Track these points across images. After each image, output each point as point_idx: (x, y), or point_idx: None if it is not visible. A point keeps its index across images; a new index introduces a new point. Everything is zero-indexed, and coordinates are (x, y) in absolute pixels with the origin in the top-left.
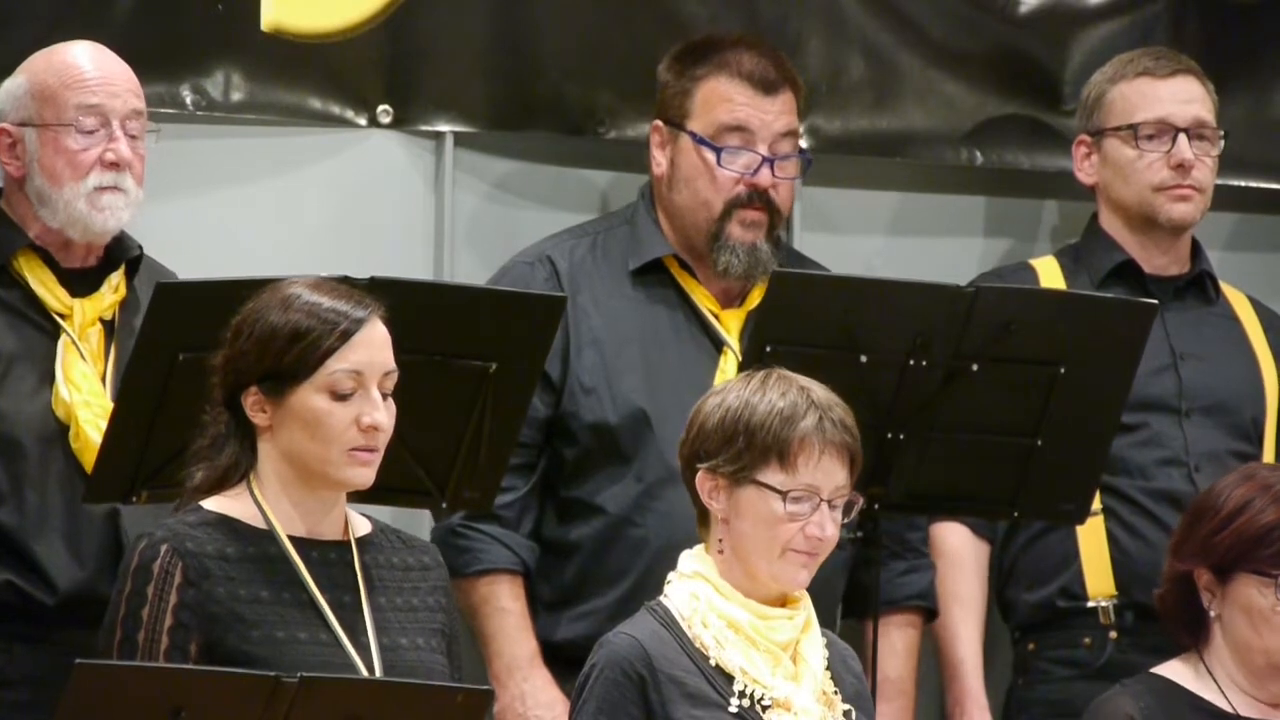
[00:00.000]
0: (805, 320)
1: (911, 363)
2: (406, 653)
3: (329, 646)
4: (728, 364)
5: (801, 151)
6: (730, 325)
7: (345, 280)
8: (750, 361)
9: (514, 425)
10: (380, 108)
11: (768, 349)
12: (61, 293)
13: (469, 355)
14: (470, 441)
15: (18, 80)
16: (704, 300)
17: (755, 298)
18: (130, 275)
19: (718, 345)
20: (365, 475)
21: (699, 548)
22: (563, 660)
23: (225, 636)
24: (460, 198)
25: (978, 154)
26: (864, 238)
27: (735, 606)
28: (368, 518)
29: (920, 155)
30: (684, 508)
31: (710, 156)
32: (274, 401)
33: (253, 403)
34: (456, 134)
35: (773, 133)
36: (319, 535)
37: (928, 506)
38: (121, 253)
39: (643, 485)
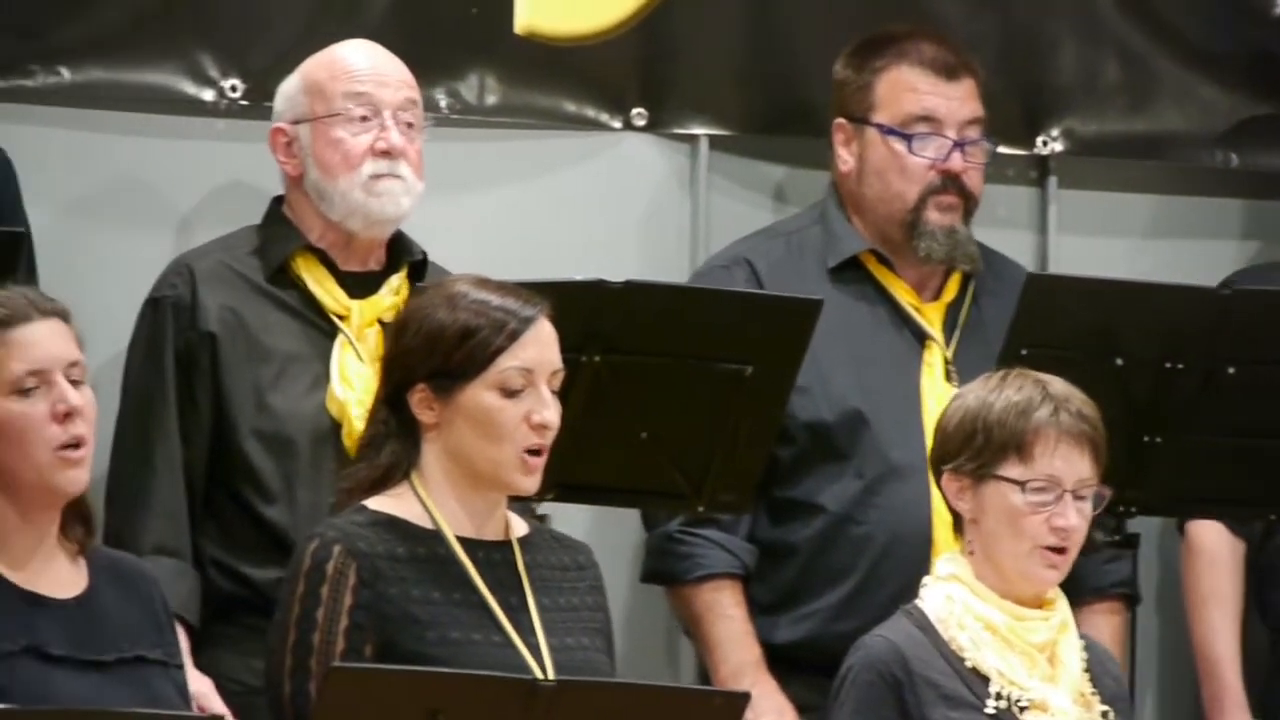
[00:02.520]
0: (1060, 323)
1: (1167, 366)
2: (575, 652)
3: (503, 647)
4: (933, 357)
5: (987, 137)
6: (932, 318)
7: (601, 283)
8: (1005, 365)
9: (769, 428)
10: (635, 111)
11: (1023, 352)
12: (340, 294)
13: (724, 359)
14: (726, 445)
15: (292, 80)
16: (904, 294)
17: (951, 291)
18: (415, 279)
19: (920, 338)
20: (531, 483)
21: (954, 551)
22: (784, 663)
23: (400, 638)
24: (715, 201)
25: (1233, 156)
26: (1119, 240)
27: (991, 608)
28: (525, 519)
29: (1175, 157)
30: (907, 503)
31: (900, 146)
32: (442, 399)
33: (419, 400)
34: (711, 137)
35: (959, 119)
36: (483, 535)
37: (1185, 509)
38: (403, 255)
39: (863, 482)
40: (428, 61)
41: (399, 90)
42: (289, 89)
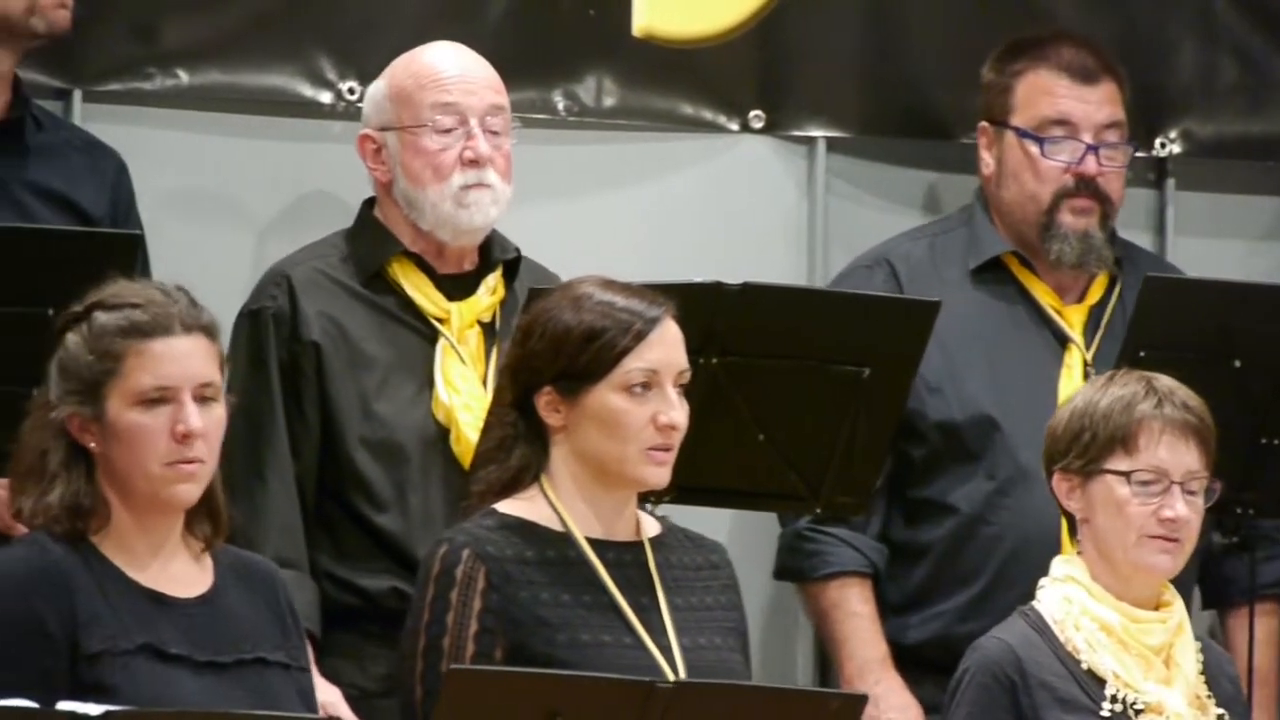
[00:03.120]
0: (1179, 325)
1: None
2: (707, 652)
3: (633, 649)
4: (1073, 360)
5: (1128, 141)
6: (1073, 321)
7: (718, 285)
8: (1122, 365)
9: (886, 430)
10: (752, 113)
11: (1141, 354)
12: (438, 297)
13: (842, 360)
14: (844, 447)
15: (379, 86)
16: (1045, 296)
17: (1096, 293)
18: (509, 277)
19: (1061, 341)
20: (661, 475)
21: (1070, 553)
22: (913, 663)
23: (530, 641)
24: (832, 203)
25: None
26: (1237, 241)
27: (1107, 609)
28: (657, 518)
29: None
30: (1037, 506)
31: (1034, 149)
32: (569, 401)
33: (546, 403)
34: (829, 139)
35: (1095, 122)
36: (613, 536)
37: None
38: (497, 254)
39: (994, 483)
40: (545, 63)
41: (485, 96)
42: (376, 95)
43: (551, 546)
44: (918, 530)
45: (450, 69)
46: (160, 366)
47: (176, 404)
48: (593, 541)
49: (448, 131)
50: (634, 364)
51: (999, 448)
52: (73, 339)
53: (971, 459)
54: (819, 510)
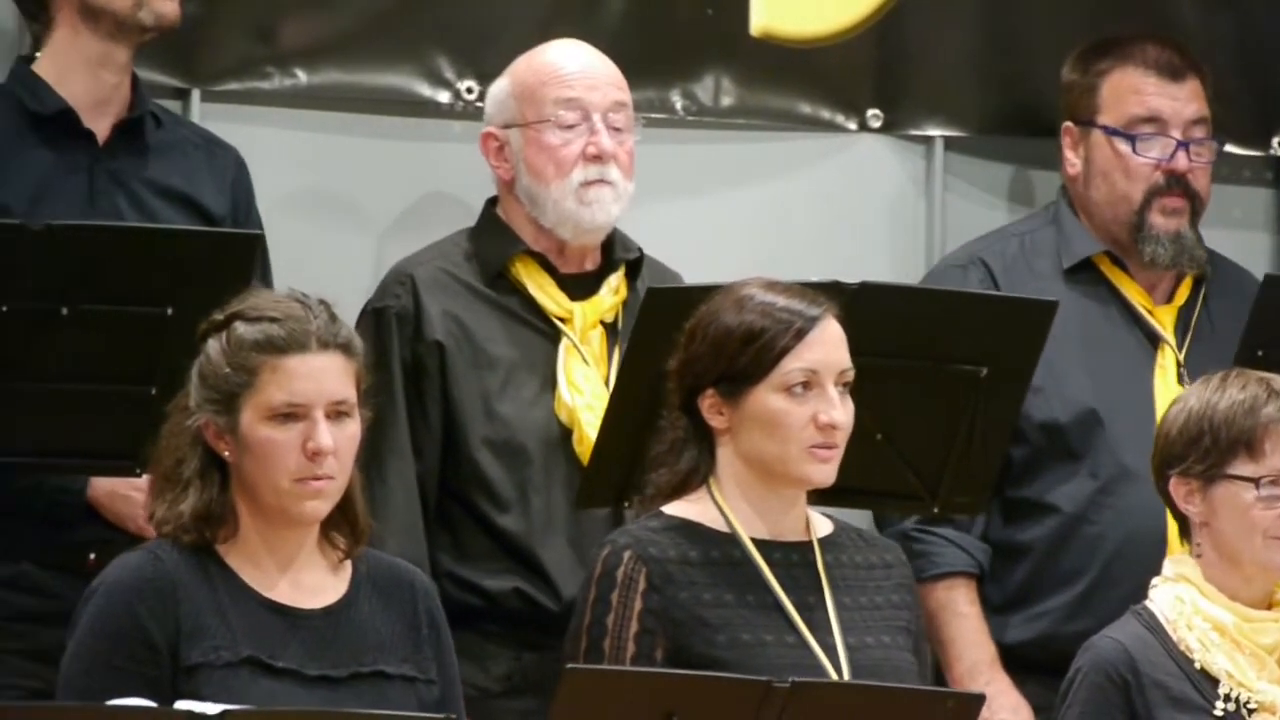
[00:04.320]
0: None
1: None
2: (873, 651)
3: (795, 648)
4: (1166, 360)
5: (1214, 137)
6: (1164, 321)
7: (836, 285)
8: (1240, 365)
9: (1004, 430)
10: (870, 112)
11: (1259, 353)
12: (561, 296)
13: (959, 360)
14: (961, 446)
15: (502, 84)
16: (1136, 296)
17: (1184, 293)
18: (632, 277)
19: (1153, 341)
20: (826, 472)
21: (1182, 552)
22: (1017, 663)
23: (690, 641)
24: (950, 202)
25: None
26: None
27: (1220, 609)
28: (829, 518)
29: None
30: (1140, 505)
31: (1124, 147)
32: (731, 403)
33: (709, 405)
34: (946, 138)
35: (1184, 118)
36: (780, 536)
37: None
38: (619, 254)
39: (1097, 483)
40: (663, 63)
41: (608, 93)
42: (499, 93)
43: (716, 547)
44: (1017, 529)
45: (573, 65)
46: (293, 383)
47: (309, 421)
48: (758, 542)
49: (570, 127)
50: (793, 364)
51: (1102, 447)
52: (213, 346)
53: (1074, 458)
54: (936, 510)
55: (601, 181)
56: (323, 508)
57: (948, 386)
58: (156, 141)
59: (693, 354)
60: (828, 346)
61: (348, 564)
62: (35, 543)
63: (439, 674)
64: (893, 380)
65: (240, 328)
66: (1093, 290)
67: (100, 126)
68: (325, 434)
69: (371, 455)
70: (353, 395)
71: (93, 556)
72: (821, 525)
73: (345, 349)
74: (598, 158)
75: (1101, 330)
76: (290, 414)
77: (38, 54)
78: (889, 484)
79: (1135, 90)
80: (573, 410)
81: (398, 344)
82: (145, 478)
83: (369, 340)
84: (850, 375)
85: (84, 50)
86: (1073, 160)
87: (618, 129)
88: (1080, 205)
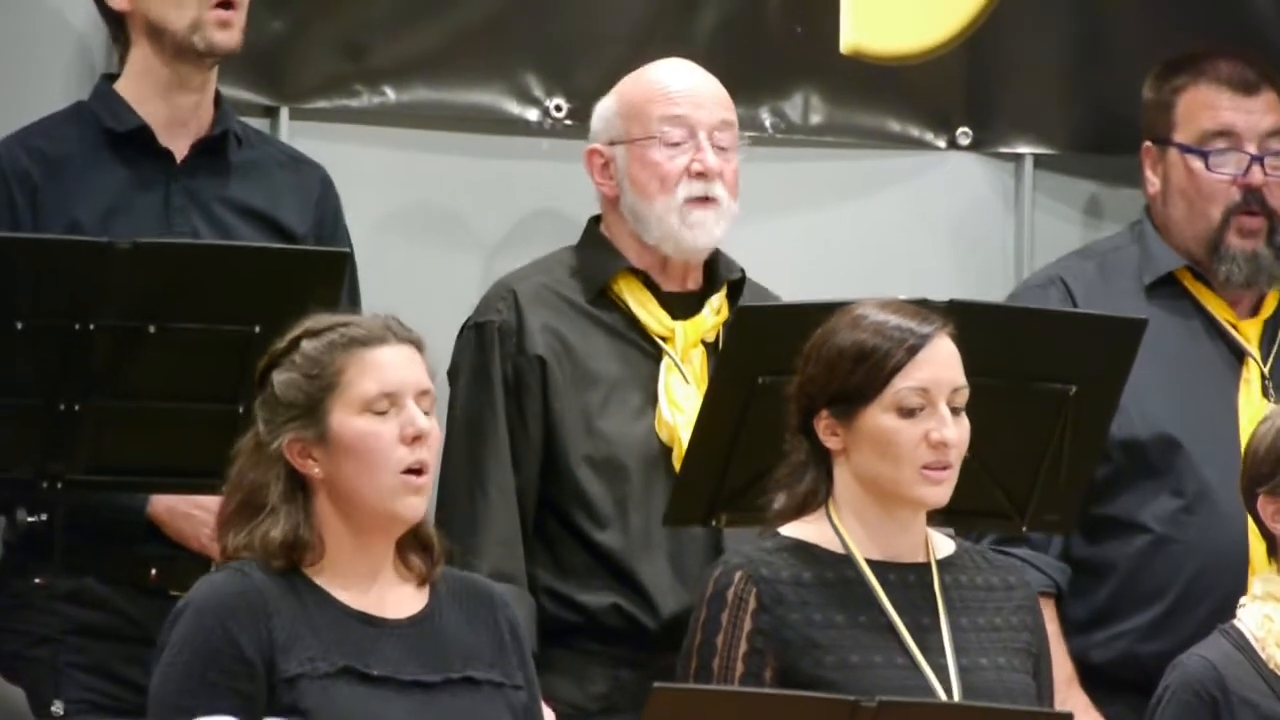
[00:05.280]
0: None
1: None
2: (986, 673)
3: (905, 669)
4: (1251, 374)
5: None
6: (1249, 334)
7: (923, 302)
8: None
9: (1094, 448)
10: (960, 130)
11: None
12: (662, 315)
13: (1048, 378)
14: (1050, 464)
15: (608, 102)
16: (1220, 311)
17: (1270, 306)
18: (733, 297)
19: (1238, 355)
20: (939, 493)
21: (1271, 571)
22: (1100, 682)
23: (799, 662)
24: (1040, 220)
25: None
26: None
27: None
28: (953, 538)
29: None
30: (1223, 522)
31: (1198, 164)
32: (845, 424)
33: (825, 426)
34: (1036, 156)
35: (1259, 132)
36: (898, 558)
37: None
38: (722, 274)
39: (1181, 501)
40: (753, 81)
41: (714, 111)
42: (605, 110)
43: (830, 568)
44: (1101, 548)
45: (680, 83)
46: (383, 373)
47: (401, 409)
48: (874, 563)
49: (676, 145)
50: (904, 383)
51: (1183, 464)
52: (279, 376)
53: (1155, 476)
54: (1025, 528)
55: (706, 200)
56: (422, 505)
57: (1037, 404)
58: (238, 160)
59: (808, 375)
60: (940, 365)
61: (426, 585)
62: (98, 557)
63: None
64: (982, 398)
65: (308, 344)
66: (1175, 305)
67: (179, 145)
68: (421, 417)
69: (471, 467)
70: (433, 390)
71: (154, 572)
72: (943, 546)
73: (418, 345)
74: (702, 174)
75: (1184, 346)
76: (384, 405)
77: (120, 73)
78: (978, 502)
79: (1208, 105)
80: (673, 429)
81: (499, 358)
82: (208, 497)
83: (470, 354)
84: (964, 395)
85: (157, 71)
86: (1152, 179)
87: (723, 148)
88: (1161, 223)
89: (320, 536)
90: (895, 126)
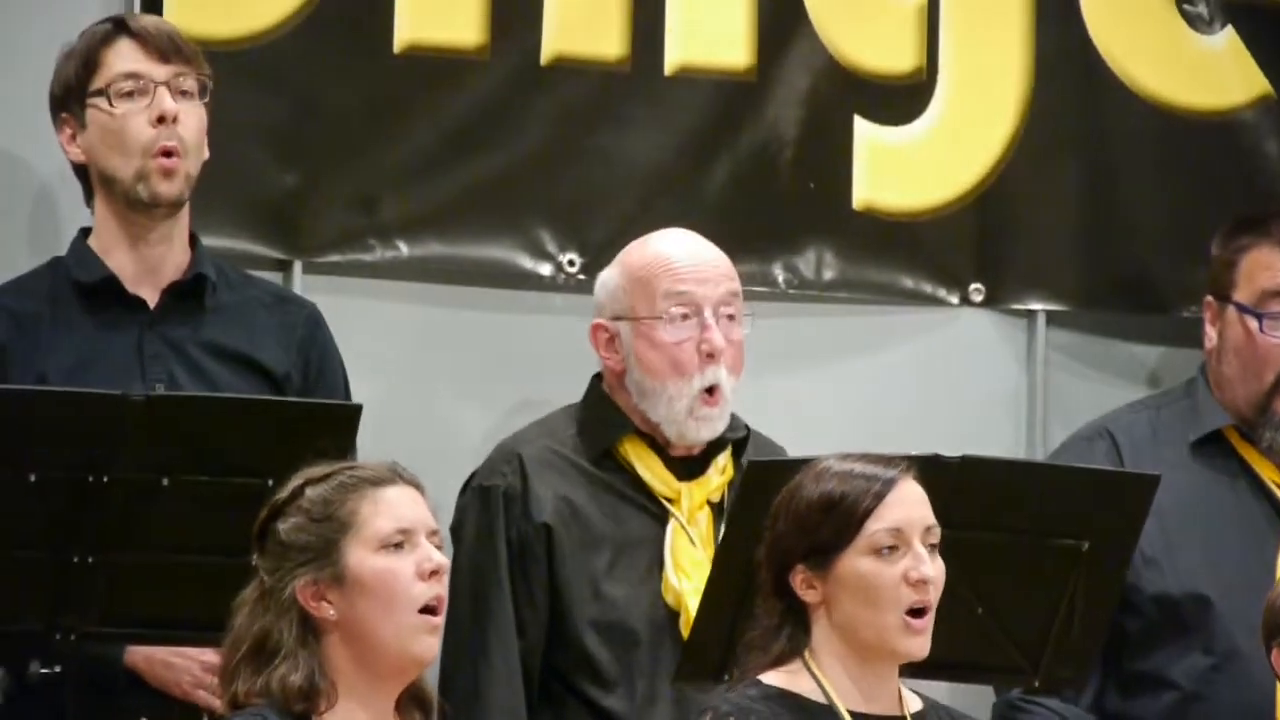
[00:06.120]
0: None
1: None
2: None
3: None
4: None
5: None
6: None
7: (937, 458)
8: None
9: (1107, 604)
10: (972, 286)
11: None
12: (668, 476)
13: (1062, 534)
14: (1063, 620)
15: (611, 274)
16: (1267, 471)
17: None
18: (737, 454)
19: None
20: (920, 644)
21: None
22: None
23: None
24: (1052, 376)
25: None
26: None
27: None
28: (919, 695)
29: None
30: (1254, 682)
31: (1253, 324)
32: (821, 575)
33: (801, 581)
34: (1049, 313)
35: None
36: (876, 710)
37: None
38: (727, 434)
39: (1211, 659)
40: (766, 236)
41: (720, 285)
42: (608, 284)
43: (815, 717)
44: (1132, 703)
45: (684, 258)
46: (397, 510)
47: (415, 545)
48: (855, 715)
49: (683, 321)
50: (877, 525)
51: (1215, 623)
52: (285, 523)
53: (1186, 633)
54: (1038, 684)
55: (716, 392)
56: (437, 646)
57: (1050, 560)
58: (216, 303)
59: (778, 532)
60: (910, 505)
61: None
62: (82, 711)
63: None
64: (994, 553)
65: (313, 490)
66: (1222, 464)
67: (149, 293)
68: (436, 552)
69: (475, 635)
70: (441, 532)
71: None
72: (913, 701)
73: (420, 488)
74: (710, 356)
75: (1225, 504)
76: (400, 541)
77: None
78: (990, 657)
79: (1267, 266)
80: (680, 594)
81: (504, 523)
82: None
83: (474, 518)
84: (936, 534)
85: (118, 221)
86: (1210, 334)
87: (730, 317)
88: (1215, 379)
89: (333, 682)
90: (908, 282)
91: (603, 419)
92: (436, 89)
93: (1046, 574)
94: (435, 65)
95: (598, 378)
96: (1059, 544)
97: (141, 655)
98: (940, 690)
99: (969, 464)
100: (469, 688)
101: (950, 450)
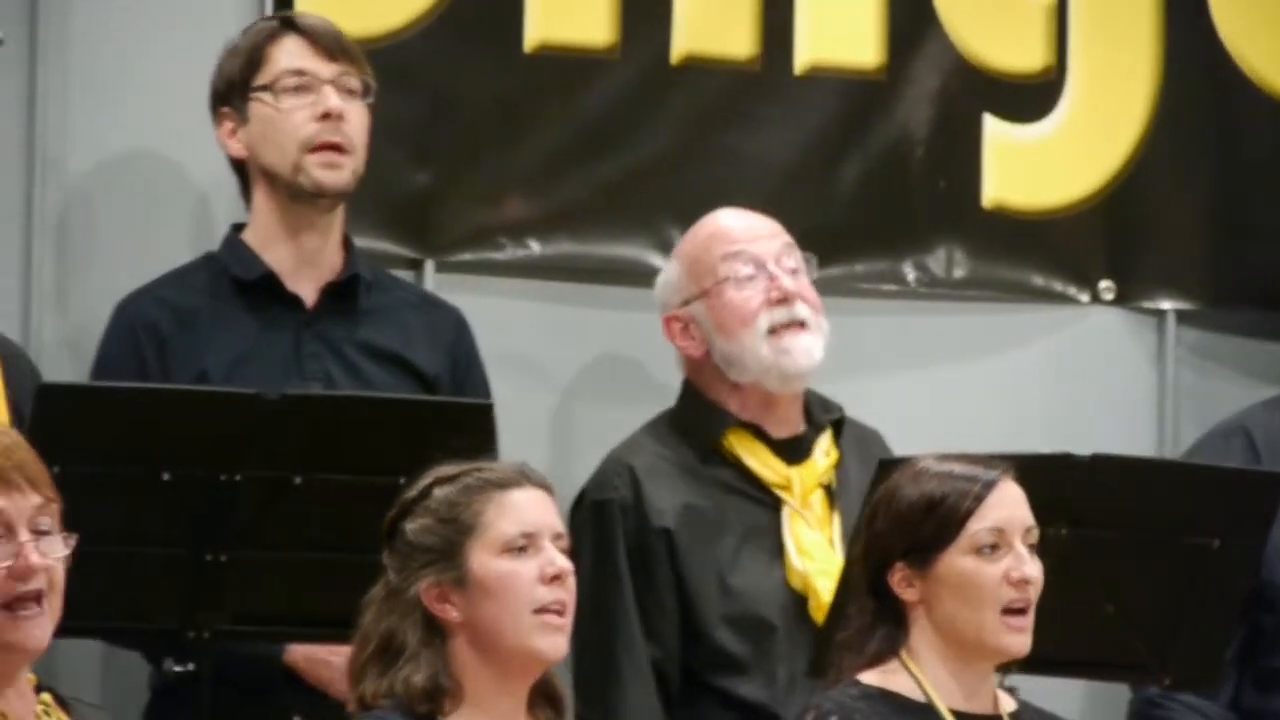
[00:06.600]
0: None
1: None
2: None
3: None
4: None
5: None
6: None
7: (1067, 457)
8: None
9: (1237, 602)
10: (1103, 284)
11: None
12: (777, 463)
13: (1192, 532)
14: (1193, 618)
15: (669, 269)
16: None
17: None
18: (837, 437)
19: None
20: (1021, 642)
21: None
22: None
23: None
24: (1183, 375)
25: None
26: None
27: None
28: (1013, 696)
29: None
30: None
31: None
32: (921, 574)
33: (900, 579)
34: (1179, 311)
35: None
36: (975, 709)
37: None
38: (823, 415)
39: None
40: (896, 235)
41: (774, 239)
42: (669, 277)
43: (916, 716)
44: (1271, 699)
45: (732, 223)
46: (521, 514)
47: (539, 550)
48: (956, 713)
49: (749, 279)
50: (979, 525)
51: None
52: (412, 523)
53: None
54: (1168, 682)
55: (791, 323)
56: (564, 645)
57: (1180, 557)
58: (369, 304)
59: (876, 531)
60: (1010, 505)
61: None
62: (236, 709)
63: None
64: (1125, 551)
65: (441, 490)
66: None
67: (306, 290)
68: (561, 557)
69: (603, 655)
70: (566, 534)
71: (296, 719)
72: (1007, 701)
73: (550, 490)
74: (783, 300)
75: None
76: (524, 546)
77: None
78: (1120, 654)
79: None
80: (805, 576)
81: (621, 536)
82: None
83: (591, 532)
84: (1035, 535)
85: (278, 215)
86: None
87: (793, 270)
88: None
89: (459, 682)
90: (1038, 281)
91: (701, 416)
92: (567, 88)
93: (1177, 571)
94: (566, 64)
95: (687, 381)
96: (1189, 542)
97: (301, 653)
98: (1076, 689)
99: (1099, 462)
100: (602, 710)
101: (1080, 448)
